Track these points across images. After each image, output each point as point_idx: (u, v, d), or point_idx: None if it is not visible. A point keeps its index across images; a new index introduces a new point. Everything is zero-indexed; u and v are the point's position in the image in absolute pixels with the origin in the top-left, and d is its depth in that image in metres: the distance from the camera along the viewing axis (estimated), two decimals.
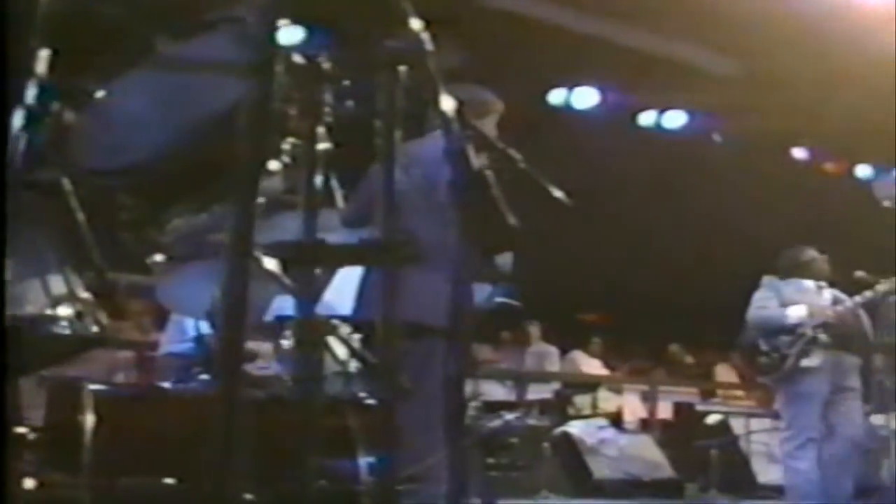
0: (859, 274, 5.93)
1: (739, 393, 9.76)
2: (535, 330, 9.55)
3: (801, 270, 5.91)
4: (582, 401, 9.06)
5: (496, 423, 4.15)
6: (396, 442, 2.07)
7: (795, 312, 5.69)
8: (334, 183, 3.48)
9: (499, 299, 3.71)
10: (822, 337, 5.63)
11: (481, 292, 3.53)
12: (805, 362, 5.61)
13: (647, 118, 9.42)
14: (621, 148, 8.97)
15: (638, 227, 9.90)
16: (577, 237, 9.95)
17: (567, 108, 9.01)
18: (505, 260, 3.53)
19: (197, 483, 1.53)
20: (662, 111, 9.41)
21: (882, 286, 5.74)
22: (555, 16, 7.88)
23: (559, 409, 8.57)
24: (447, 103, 2.19)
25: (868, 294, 5.74)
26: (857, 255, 6.23)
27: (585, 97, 8.98)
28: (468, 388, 6.05)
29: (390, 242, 2.00)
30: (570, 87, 8.94)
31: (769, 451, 7.16)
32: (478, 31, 7.66)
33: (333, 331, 2.45)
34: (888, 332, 6.11)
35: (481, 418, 4.88)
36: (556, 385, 9.09)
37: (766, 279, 6.02)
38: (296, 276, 2.12)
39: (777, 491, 6.70)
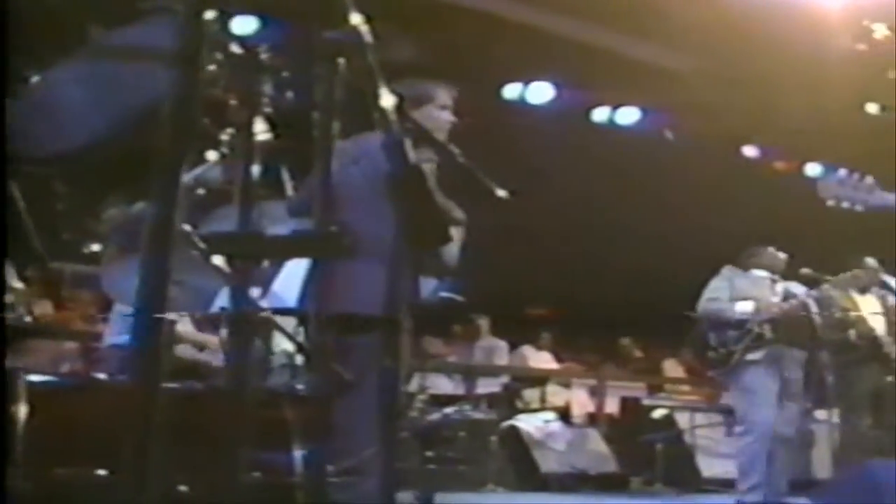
0: (805, 271, 6.08)
1: (686, 388, 9.89)
2: (484, 324, 9.57)
3: (760, 261, 6.06)
4: (530, 395, 9.13)
5: (435, 416, 4.17)
6: (329, 434, 2.08)
7: (742, 307, 5.83)
8: (284, 174, 3.48)
9: (443, 294, 3.72)
10: (768, 332, 5.76)
11: (426, 286, 3.55)
12: (750, 356, 5.74)
13: (600, 114, 9.49)
14: (575, 143, 9.02)
15: (590, 222, 9.96)
16: (528, 231, 10.02)
17: (522, 103, 9.04)
18: (450, 254, 3.55)
19: (130, 474, 1.53)
20: (616, 107, 9.48)
21: (836, 281, 5.90)
22: (510, 11, 7.91)
23: (507, 402, 8.64)
24: (387, 97, 2.20)
25: (822, 288, 5.89)
26: (805, 252, 6.36)
27: (540, 92, 9.02)
28: (415, 381, 6.07)
29: (324, 234, 2.00)
30: (526, 83, 8.97)
31: (714, 445, 7.27)
32: (433, 25, 7.68)
33: (268, 323, 2.45)
34: (834, 327, 6.28)
35: (427, 411, 4.90)
36: (504, 379, 9.17)
37: (725, 269, 6.15)
38: (232, 266, 2.12)
39: (721, 484, 6.83)
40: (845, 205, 3.04)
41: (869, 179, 3.04)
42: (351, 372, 3.00)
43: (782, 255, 6.06)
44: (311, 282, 3.52)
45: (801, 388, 5.93)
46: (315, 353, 2.18)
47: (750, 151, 10.05)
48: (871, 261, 6.47)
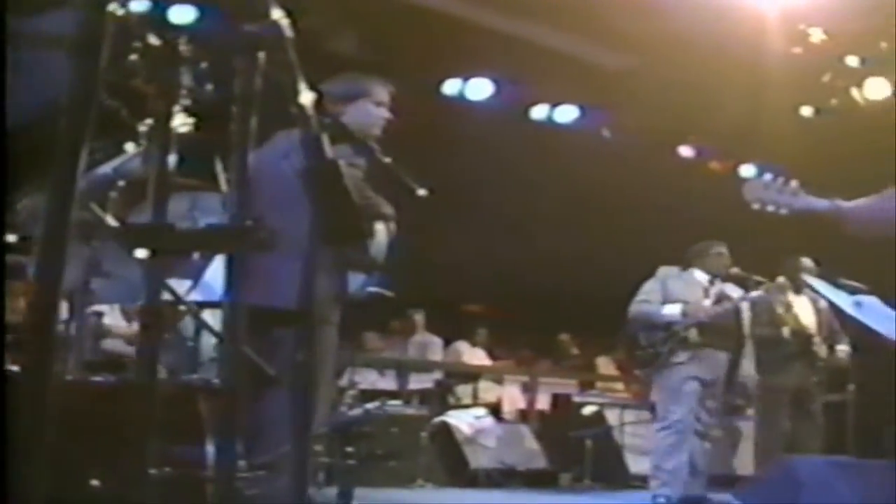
0: (734, 270, 6.21)
1: (618, 385, 10.05)
2: (420, 319, 9.60)
3: (705, 262, 6.16)
4: (463, 391, 9.18)
5: (356, 412, 4.19)
6: (243, 429, 2.09)
7: (670, 311, 5.95)
8: (218, 166, 3.46)
9: (371, 289, 3.73)
10: (693, 336, 5.89)
11: (355, 281, 3.56)
12: (674, 358, 5.87)
13: (539, 112, 9.52)
14: (514, 141, 9.06)
15: (528, 220, 10.05)
16: (467, 228, 10.06)
17: (461, 99, 9.05)
18: (377, 250, 3.57)
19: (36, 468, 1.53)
20: (555, 105, 9.52)
21: (772, 285, 6.04)
22: (451, 6, 7.92)
23: (439, 398, 8.71)
24: (305, 93, 2.21)
25: (756, 293, 6.02)
26: (740, 252, 6.50)
27: (480, 89, 9.03)
28: (346, 376, 6.04)
29: (238, 228, 2.01)
30: (465, 79, 8.97)
31: (642, 441, 7.39)
32: (372, 19, 7.66)
33: (180, 315, 2.44)
34: (766, 324, 6.43)
35: (349, 407, 4.91)
36: (437, 375, 9.21)
37: (660, 270, 6.26)
38: (147, 259, 2.11)
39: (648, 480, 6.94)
40: (770, 208, 3.07)
41: (794, 183, 3.08)
42: (274, 367, 3.01)
43: (725, 252, 6.18)
44: (231, 275, 3.53)
45: (725, 387, 6.06)
46: (230, 345, 2.17)
47: (686, 151, 10.17)
48: (806, 261, 6.65)
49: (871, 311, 4.23)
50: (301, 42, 2.23)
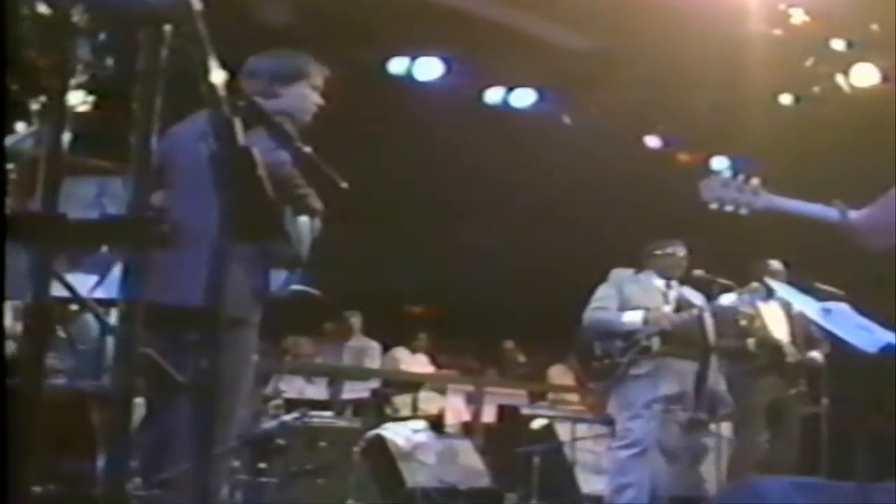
0: (697, 273, 6.29)
1: (571, 397, 10.15)
2: (355, 322, 9.61)
3: (658, 263, 6.23)
4: (402, 401, 9.22)
5: (270, 424, 4.19)
6: (137, 442, 2.10)
7: (630, 318, 6.00)
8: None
9: (295, 287, 3.74)
10: (656, 345, 5.95)
11: (277, 279, 3.57)
12: (635, 370, 5.94)
13: (494, 95, 9.53)
14: (466, 126, 9.07)
15: (478, 213, 10.10)
16: (410, 221, 10.08)
17: (408, 79, 9.02)
18: (302, 245, 3.58)
19: None
20: (511, 89, 9.54)
21: (747, 290, 6.13)
22: None
23: (375, 409, 8.73)
24: (217, 72, 2.21)
25: (726, 302, 6.09)
26: (706, 252, 6.60)
27: (429, 68, 9.00)
28: (270, 384, 6.03)
29: (134, 220, 2.00)
30: (413, 57, 8.96)
31: (595, 459, 7.47)
32: None
33: (74, 315, 2.43)
34: (731, 335, 6.53)
35: (264, 418, 4.91)
36: (374, 383, 9.24)
37: (613, 273, 6.32)
38: (32, 251, 2.10)
39: (601, 501, 7.02)
40: (729, 208, 3.13)
41: (755, 181, 3.14)
42: (184, 373, 3.01)
43: (682, 254, 6.25)
44: (130, 269, 3.51)
45: (691, 401, 6.15)
46: (124, 347, 2.17)
47: (653, 142, 10.25)
48: (775, 263, 6.76)
49: (839, 319, 4.32)
50: (221, 12, 2.24)
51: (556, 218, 10.18)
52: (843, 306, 4.75)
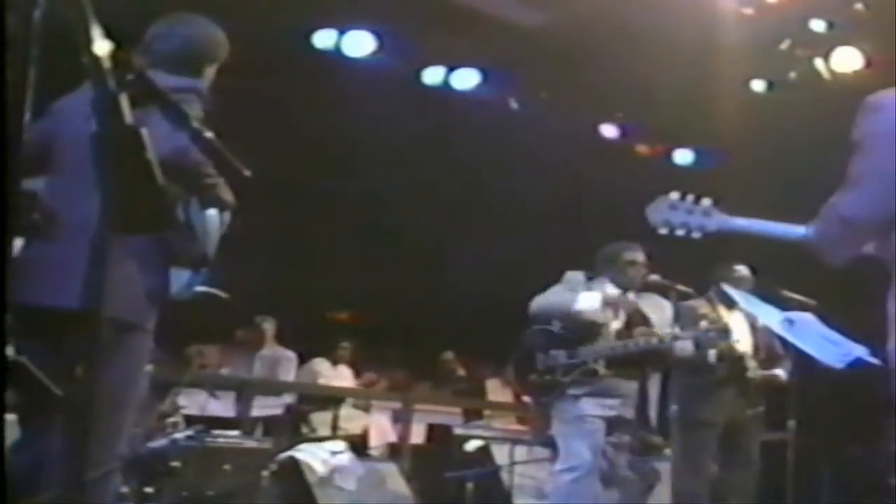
0: (654, 278, 6.35)
1: (510, 415, 10.22)
2: (269, 328, 9.57)
3: (614, 271, 6.29)
4: (320, 419, 9.21)
5: (160, 442, 4.16)
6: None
7: (587, 304, 6.07)
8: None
9: (200, 288, 3.72)
10: (602, 369, 6.04)
11: (178, 279, 3.55)
12: (576, 390, 6.04)
13: (433, 75, 9.51)
14: (400, 109, 9.02)
15: (413, 208, 10.11)
16: (335, 217, 10.06)
17: (336, 55, 8.95)
18: (210, 240, 3.57)
19: None
20: (452, 68, 9.53)
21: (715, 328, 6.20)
22: None
23: (289, 428, 8.70)
24: (101, 42, 2.20)
25: (688, 340, 6.19)
26: (662, 254, 6.66)
27: (359, 43, 8.94)
28: (167, 399, 5.97)
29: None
30: (341, 30, 8.91)
31: (536, 484, 7.53)
32: None
33: None
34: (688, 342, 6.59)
35: (153, 436, 4.88)
36: (288, 398, 9.22)
37: (567, 275, 6.36)
38: None
39: None
40: (679, 233, 3.19)
41: (706, 201, 3.19)
42: (63, 384, 2.98)
43: (641, 259, 6.32)
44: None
45: (641, 422, 6.23)
46: None
47: (609, 131, 10.31)
48: (741, 269, 6.85)
49: (803, 330, 4.43)
50: None
51: (501, 214, 10.21)
52: (808, 317, 4.86)
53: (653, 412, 6.30)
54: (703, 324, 6.43)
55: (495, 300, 9.44)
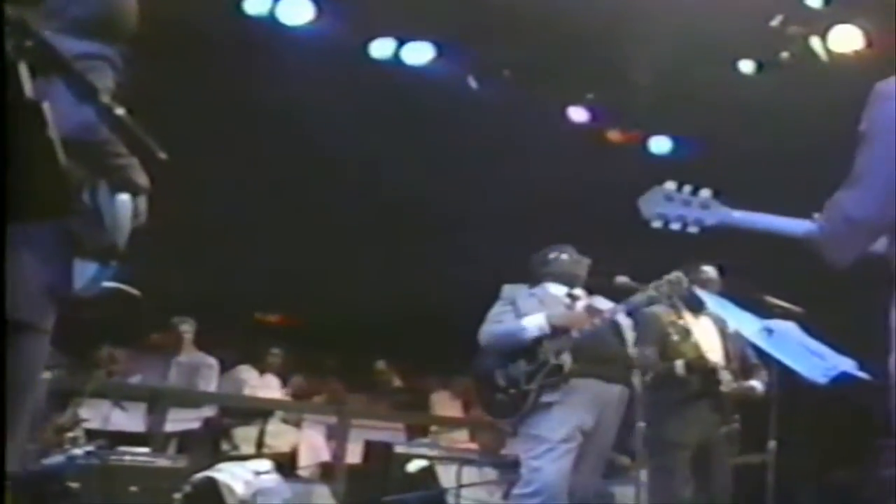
0: (622, 280, 6.43)
1: (460, 433, 10.30)
2: (187, 331, 9.54)
3: (554, 270, 6.40)
4: (243, 435, 9.20)
5: (56, 460, 4.16)
6: None
7: (532, 323, 6.16)
8: None
9: (108, 284, 3.73)
10: (567, 362, 6.07)
11: (83, 273, 3.56)
12: (546, 397, 6.08)
13: (381, 48, 9.44)
14: (344, 86, 8.98)
15: (352, 200, 10.14)
16: (264, 208, 10.03)
17: (271, 23, 8.85)
18: (121, 230, 3.59)
19: None
20: (402, 41, 9.48)
21: (648, 291, 6.25)
22: None
23: (209, 445, 8.71)
24: None
25: (634, 300, 6.23)
26: (636, 252, 6.71)
27: (296, 10, 8.81)
28: (67, 410, 5.98)
29: None
30: None
31: None
32: None
33: None
34: (650, 349, 6.67)
35: (46, 454, 4.88)
36: (208, 411, 9.23)
37: (505, 289, 6.48)
38: None
39: None
40: (675, 226, 3.24)
41: (704, 192, 3.24)
42: None
43: (577, 257, 6.44)
44: None
45: (612, 436, 6.30)
46: None
47: (578, 114, 10.32)
48: (708, 270, 6.95)
49: (783, 341, 4.50)
50: None
51: (452, 208, 10.19)
52: (789, 326, 4.94)
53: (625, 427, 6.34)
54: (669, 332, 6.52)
55: (440, 305, 9.50)
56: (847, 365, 4.71)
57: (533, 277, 6.56)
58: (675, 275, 6.34)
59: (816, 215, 3.15)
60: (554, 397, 6.07)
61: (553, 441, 6.01)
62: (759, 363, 6.82)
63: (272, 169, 9.71)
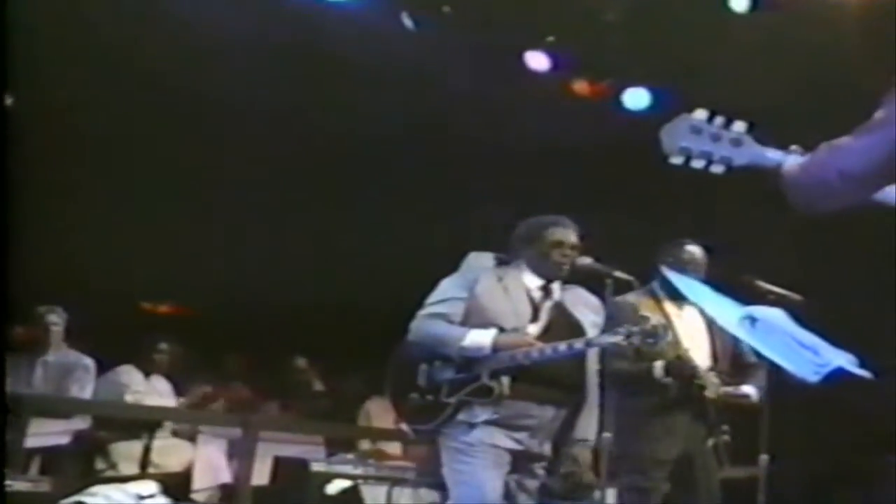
0: (586, 262, 6.42)
1: (392, 447, 10.34)
2: (57, 323, 9.48)
3: (534, 252, 6.32)
4: (124, 451, 9.14)
5: None
6: None
7: (474, 341, 6.05)
8: None
9: None
10: (506, 388, 6.04)
11: None
12: (467, 415, 6.03)
13: None
14: (250, 27, 8.99)
15: (262, 161, 10.17)
16: (148, 177, 10.02)
17: None
18: None
19: None
20: None
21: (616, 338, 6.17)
22: None
23: (80, 463, 8.67)
24: None
25: (597, 340, 6.10)
26: (605, 224, 6.75)
27: None
28: None
29: None
30: None
31: None
32: None
33: None
34: (621, 363, 6.66)
35: None
36: (81, 423, 9.15)
37: (469, 259, 6.38)
38: None
39: None
40: (698, 164, 3.25)
41: (739, 126, 3.25)
42: None
43: (573, 239, 6.34)
44: None
45: (553, 459, 6.31)
46: None
47: (537, 61, 10.38)
48: (693, 248, 6.98)
49: (769, 332, 4.52)
50: None
51: (385, 175, 10.22)
52: (776, 314, 4.97)
53: (574, 445, 6.31)
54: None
55: (370, 289, 9.50)
56: (843, 360, 4.75)
57: (511, 251, 6.43)
58: (656, 324, 6.08)
59: (795, 147, 3.20)
60: (480, 417, 6.03)
61: (477, 461, 5.99)
62: (757, 363, 6.82)
63: (161, 125, 9.69)
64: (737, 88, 9.13)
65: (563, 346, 6.04)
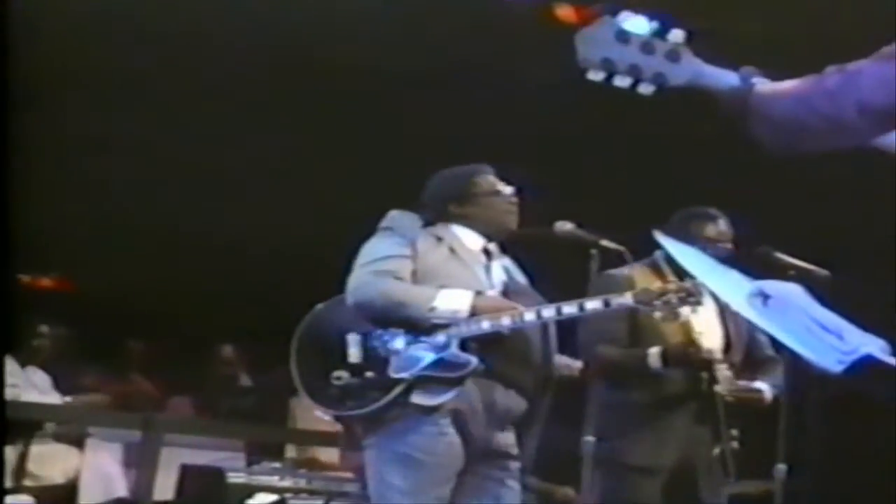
0: (567, 227, 6.66)
1: (328, 453, 10.61)
2: None
3: (469, 206, 6.51)
4: None
5: None
6: None
7: (447, 306, 6.11)
8: None
9: None
10: (473, 362, 6.18)
11: None
12: (421, 398, 6.14)
13: None
14: None
15: (176, 104, 10.32)
16: (38, 121, 10.23)
17: None
18: None
19: None
20: None
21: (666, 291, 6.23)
22: None
23: None
24: None
25: (588, 305, 6.22)
26: (594, 182, 6.95)
27: None
28: None
29: None
30: None
31: None
32: None
33: None
34: (607, 347, 6.90)
35: None
36: None
37: (394, 219, 6.45)
38: None
39: None
40: (623, 81, 3.20)
41: (677, 35, 3.21)
42: None
43: (509, 192, 6.47)
44: None
45: (529, 459, 6.55)
46: None
47: None
48: (719, 217, 7.09)
49: (781, 311, 4.74)
50: None
51: (318, 120, 10.42)
52: (793, 289, 5.21)
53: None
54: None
55: (306, 262, 9.72)
56: (873, 347, 4.91)
57: (433, 210, 6.53)
58: (688, 283, 6.27)
59: (749, 67, 3.24)
60: (431, 399, 6.09)
61: (429, 463, 6.07)
62: (776, 358, 7.03)
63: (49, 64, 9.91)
64: (756, 13, 9.44)
65: (549, 311, 6.17)
